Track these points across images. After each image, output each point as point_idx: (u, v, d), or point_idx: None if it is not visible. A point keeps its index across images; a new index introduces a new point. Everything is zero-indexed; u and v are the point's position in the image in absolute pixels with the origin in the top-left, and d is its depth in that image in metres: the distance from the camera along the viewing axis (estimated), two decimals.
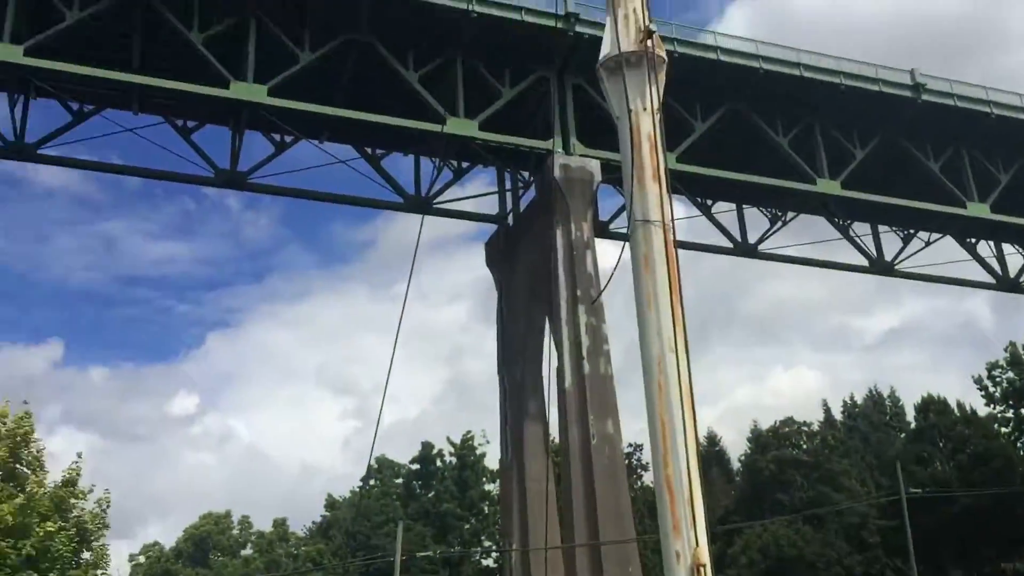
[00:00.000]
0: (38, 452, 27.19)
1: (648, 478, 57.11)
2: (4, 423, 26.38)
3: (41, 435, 27.91)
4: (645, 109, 6.44)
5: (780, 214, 44.03)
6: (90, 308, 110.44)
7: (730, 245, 43.03)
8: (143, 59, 33.33)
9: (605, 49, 6.55)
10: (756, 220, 44.42)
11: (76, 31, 30.75)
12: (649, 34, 6.40)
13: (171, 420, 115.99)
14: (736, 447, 69.21)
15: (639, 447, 59.29)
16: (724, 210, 43.51)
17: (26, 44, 29.49)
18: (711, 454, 64.06)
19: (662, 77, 6.41)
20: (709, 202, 43.15)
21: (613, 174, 34.38)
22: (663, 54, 6.48)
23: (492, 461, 61.79)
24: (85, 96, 34.37)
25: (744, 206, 43.71)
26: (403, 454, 69.66)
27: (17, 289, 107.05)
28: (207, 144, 37.59)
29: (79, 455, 28.29)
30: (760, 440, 59.84)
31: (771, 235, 43.75)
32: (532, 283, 36.09)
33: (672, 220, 6.50)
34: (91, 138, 35.23)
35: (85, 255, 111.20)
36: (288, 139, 36.80)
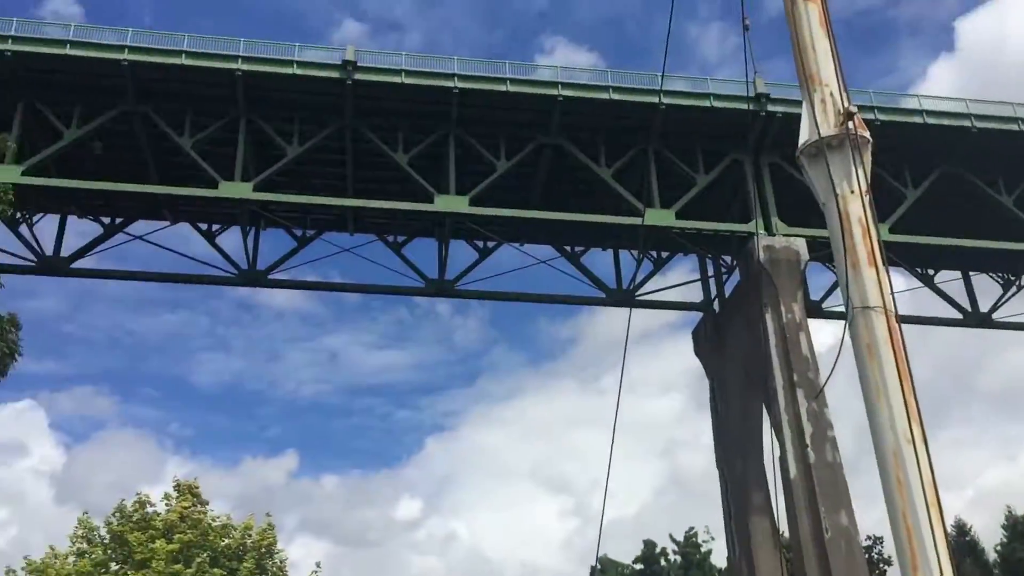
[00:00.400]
0: (281, 563, 28.53)
1: (892, 574, 52.68)
2: (250, 535, 27.98)
3: (283, 544, 29.40)
4: (853, 192, 6.15)
5: (1014, 278, 40.63)
6: (319, 419, 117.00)
7: (959, 316, 39.99)
8: (355, 183, 35.81)
9: (804, 135, 6.35)
10: (987, 287, 41.18)
11: (296, 164, 33.54)
12: (849, 116, 6.16)
13: (397, 525, 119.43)
14: (990, 535, 62.74)
15: (879, 540, 54.95)
16: (949, 279, 40.66)
17: (254, 181, 32.42)
18: (962, 545, 58.28)
19: (867, 157, 6.13)
20: (930, 271, 40.51)
21: (821, 251, 33.09)
22: (866, 134, 6.20)
23: (719, 558, 58.99)
24: (306, 222, 37.24)
25: (971, 273, 40.70)
26: (625, 553, 67.96)
27: (255, 405, 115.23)
28: (416, 256, 39.60)
29: (318, 564, 29.44)
30: (1017, 527, 54.05)
31: (1005, 302, 40.37)
32: (745, 370, 34.89)
33: (895, 305, 6.11)
34: (313, 260, 38.01)
35: (313, 369, 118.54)
36: (490, 244, 38.10)
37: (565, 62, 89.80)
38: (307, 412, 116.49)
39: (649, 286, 38.94)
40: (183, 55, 31.67)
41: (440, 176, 33.86)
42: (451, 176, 33.23)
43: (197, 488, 28.51)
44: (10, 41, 30.77)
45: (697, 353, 39.24)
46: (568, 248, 38.81)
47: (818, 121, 6.21)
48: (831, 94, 6.26)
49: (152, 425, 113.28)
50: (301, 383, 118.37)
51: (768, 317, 31.92)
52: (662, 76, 32.84)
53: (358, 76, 32.34)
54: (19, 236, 34.28)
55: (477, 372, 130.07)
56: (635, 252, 38.62)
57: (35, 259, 34.36)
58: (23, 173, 30.11)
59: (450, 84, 32.89)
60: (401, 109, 33.52)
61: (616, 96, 33.63)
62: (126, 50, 31.32)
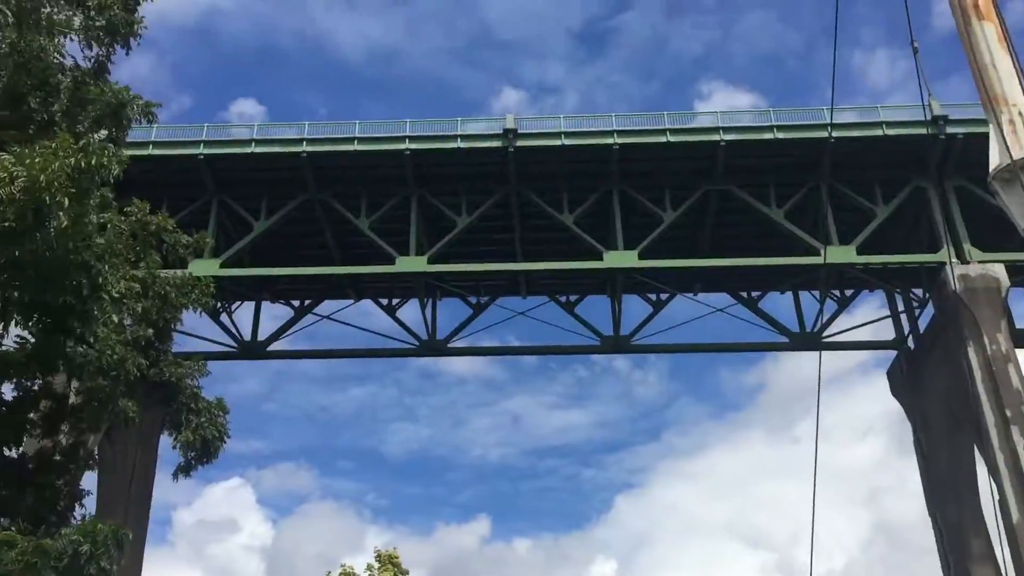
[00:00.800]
0: None
1: None
2: None
3: None
4: None
5: None
6: (507, 482, 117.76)
7: None
8: (523, 246, 36.42)
9: (994, 160, 5.91)
10: None
11: (466, 234, 34.47)
12: None
13: None
14: None
15: None
16: None
17: (428, 254, 33.55)
18: None
19: None
20: None
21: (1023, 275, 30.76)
22: None
23: None
24: (480, 289, 38.09)
25: None
26: None
27: (444, 472, 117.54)
28: (590, 314, 39.62)
29: None
30: None
31: None
32: (950, 409, 32.58)
33: None
34: (490, 326, 38.72)
35: (497, 433, 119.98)
36: (663, 296, 37.65)
37: (725, 106, 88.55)
38: (494, 476, 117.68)
39: (835, 326, 37.30)
40: (355, 141, 33.44)
41: (607, 232, 33.92)
42: (618, 231, 33.23)
43: (397, 558, 29.16)
44: (202, 145, 33.47)
45: (894, 393, 37.06)
46: (744, 294, 37.82)
47: (1008, 143, 5.78)
48: (1020, 113, 5.82)
49: (350, 496, 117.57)
50: (486, 447, 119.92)
51: (970, 351, 29.80)
52: (831, 109, 31.73)
53: (519, 143, 33.08)
54: (220, 325, 36.81)
55: (661, 426, 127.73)
56: (816, 292, 37.13)
57: (236, 345, 36.73)
58: (221, 266, 32.42)
59: (609, 141, 33.10)
60: (563, 170, 33.96)
61: (781, 135, 32.81)
62: (304, 143, 33.38)
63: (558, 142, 33.26)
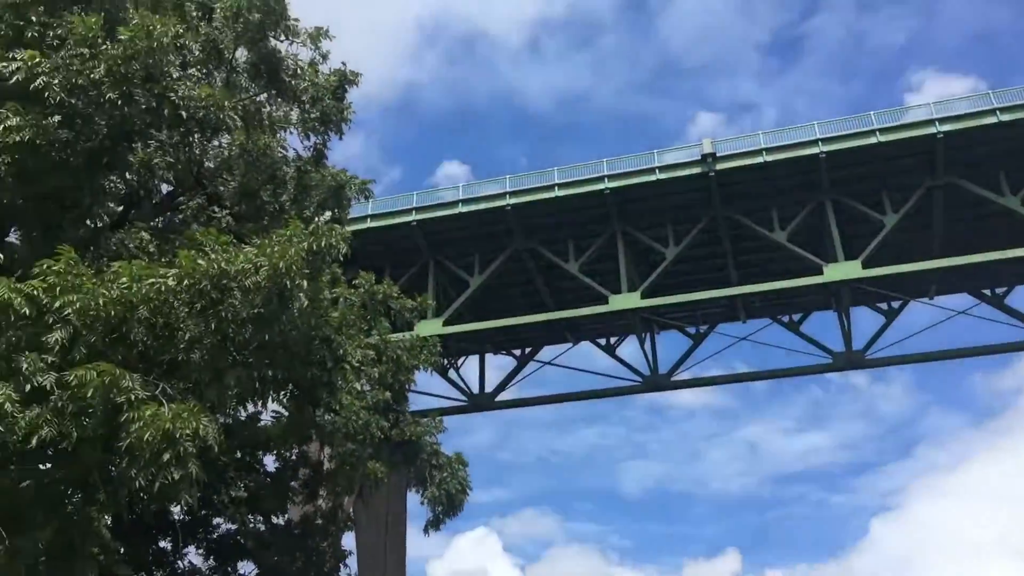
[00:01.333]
0: None
1: None
2: None
3: None
4: None
5: None
6: (752, 513, 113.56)
7: None
8: (736, 269, 35.54)
9: None
10: None
11: (676, 264, 34.06)
12: None
13: None
14: None
15: None
16: None
17: (640, 289, 33.40)
18: None
19: None
20: None
21: None
22: None
23: None
24: (697, 319, 37.42)
25: None
26: None
27: (685, 507, 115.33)
28: (817, 331, 37.97)
29: None
30: None
31: None
32: None
33: None
34: (713, 354, 38.05)
35: (735, 463, 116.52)
36: (895, 305, 35.51)
37: (939, 95, 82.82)
38: (738, 507, 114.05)
39: None
40: (556, 188, 34.05)
41: (825, 244, 32.51)
42: (836, 243, 31.74)
43: None
44: (414, 212, 35.22)
45: None
46: (988, 291, 35.01)
47: None
48: None
49: (593, 538, 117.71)
50: (726, 479, 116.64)
51: None
52: None
53: (719, 166, 32.50)
54: (449, 380, 38.20)
55: (912, 441, 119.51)
56: None
57: (466, 399, 37.95)
58: (443, 324, 33.74)
59: (814, 151, 31.88)
60: (769, 187, 32.98)
61: (1005, 117, 30.38)
62: (507, 196, 34.35)
63: (759, 160, 32.38)
